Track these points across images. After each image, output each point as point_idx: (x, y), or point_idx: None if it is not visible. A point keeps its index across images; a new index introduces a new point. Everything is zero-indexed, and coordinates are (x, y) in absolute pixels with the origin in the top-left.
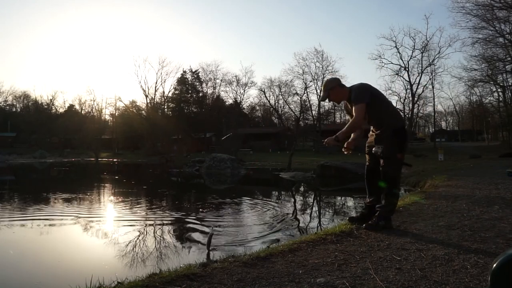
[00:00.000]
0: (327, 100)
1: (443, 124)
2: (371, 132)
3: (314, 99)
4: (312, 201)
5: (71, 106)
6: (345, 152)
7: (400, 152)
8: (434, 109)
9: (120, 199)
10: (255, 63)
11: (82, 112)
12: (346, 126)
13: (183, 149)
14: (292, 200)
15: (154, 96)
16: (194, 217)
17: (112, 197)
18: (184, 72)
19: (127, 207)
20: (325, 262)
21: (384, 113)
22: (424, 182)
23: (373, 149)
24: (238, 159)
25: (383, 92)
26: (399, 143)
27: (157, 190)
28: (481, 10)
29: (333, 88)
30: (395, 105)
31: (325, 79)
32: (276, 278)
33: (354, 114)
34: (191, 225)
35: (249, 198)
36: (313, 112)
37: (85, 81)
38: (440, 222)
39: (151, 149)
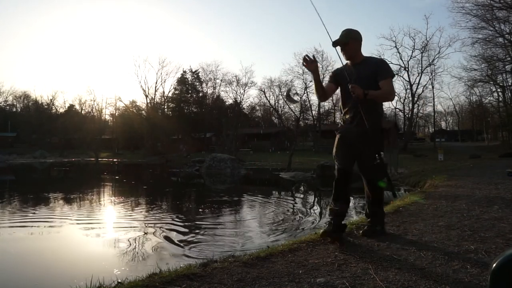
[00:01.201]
0: (338, 48)
1: (443, 124)
2: (346, 123)
3: (314, 99)
4: (312, 201)
5: (71, 106)
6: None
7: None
8: (434, 109)
9: (120, 200)
10: (255, 63)
11: (82, 112)
12: (381, 91)
13: (184, 149)
14: (292, 200)
15: (154, 96)
16: (194, 218)
17: (112, 198)
18: (184, 72)
19: (128, 208)
20: (325, 262)
21: (381, 106)
22: (424, 182)
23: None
24: (238, 159)
25: None
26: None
27: (157, 190)
28: (481, 10)
29: (356, 40)
30: (395, 105)
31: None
32: (276, 278)
33: (388, 87)
34: (191, 226)
35: (249, 199)
36: (313, 112)
37: (85, 81)
38: (440, 222)
39: (151, 149)
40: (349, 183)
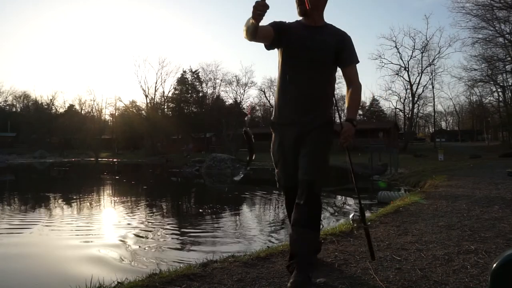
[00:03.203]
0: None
1: (443, 124)
2: (283, 113)
3: None
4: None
5: (71, 106)
6: None
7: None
8: (434, 109)
9: (120, 200)
10: (255, 63)
11: (82, 112)
12: (353, 100)
13: (185, 149)
14: None
15: (154, 96)
16: (194, 218)
17: (112, 198)
18: (184, 72)
19: (127, 208)
20: (325, 262)
21: (332, 90)
22: (424, 182)
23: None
24: (238, 159)
25: (383, 92)
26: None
27: (157, 190)
28: (481, 10)
29: None
30: (395, 105)
31: None
32: (276, 278)
33: (358, 80)
34: (191, 226)
35: (249, 199)
36: None
37: (85, 81)
38: (440, 222)
39: (151, 149)
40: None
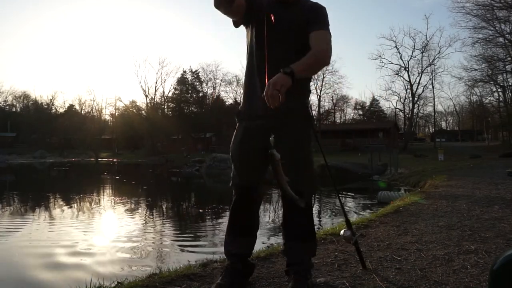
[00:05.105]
0: None
1: (443, 124)
2: (252, 103)
3: (314, 99)
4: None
5: (71, 106)
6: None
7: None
8: (434, 109)
9: (120, 200)
10: None
11: (82, 112)
12: (314, 53)
13: (185, 149)
14: None
15: (154, 96)
16: (194, 218)
17: (112, 198)
18: (184, 72)
19: (127, 208)
20: (325, 262)
21: (308, 77)
22: (424, 182)
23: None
24: None
25: (383, 92)
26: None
27: (157, 190)
28: (481, 10)
29: None
30: (395, 105)
31: None
32: (276, 278)
33: (324, 42)
34: (191, 226)
35: None
36: (313, 112)
37: (85, 81)
38: (440, 222)
39: (151, 149)
40: (255, 206)
